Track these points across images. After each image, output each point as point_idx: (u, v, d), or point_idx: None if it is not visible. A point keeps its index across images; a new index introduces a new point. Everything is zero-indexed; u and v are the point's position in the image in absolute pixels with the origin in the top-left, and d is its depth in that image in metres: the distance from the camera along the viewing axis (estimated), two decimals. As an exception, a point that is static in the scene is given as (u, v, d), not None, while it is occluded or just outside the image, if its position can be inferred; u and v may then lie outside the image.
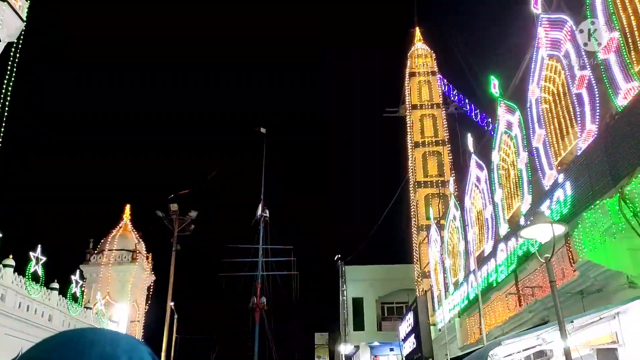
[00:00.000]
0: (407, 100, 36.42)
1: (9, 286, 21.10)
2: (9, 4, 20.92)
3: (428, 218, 29.70)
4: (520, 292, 14.51)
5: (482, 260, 18.17)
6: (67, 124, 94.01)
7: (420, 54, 37.64)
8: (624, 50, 10.27)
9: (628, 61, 10.14)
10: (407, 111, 36.03)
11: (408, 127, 35.62)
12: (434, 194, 32.20)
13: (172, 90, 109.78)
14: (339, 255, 39.44)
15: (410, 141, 34.98)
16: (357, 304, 38.38)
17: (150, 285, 42.35)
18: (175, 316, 32.92)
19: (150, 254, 43.12)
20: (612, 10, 10.66)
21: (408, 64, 37.48)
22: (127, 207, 43.85)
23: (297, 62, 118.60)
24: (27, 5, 22.39)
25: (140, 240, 42.56)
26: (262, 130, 33.64)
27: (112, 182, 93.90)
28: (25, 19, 21.91)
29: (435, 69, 36.87)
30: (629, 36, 10.64)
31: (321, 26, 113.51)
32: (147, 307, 41.86)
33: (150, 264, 42.63)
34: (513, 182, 17.03)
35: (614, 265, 9.22)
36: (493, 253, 17.09)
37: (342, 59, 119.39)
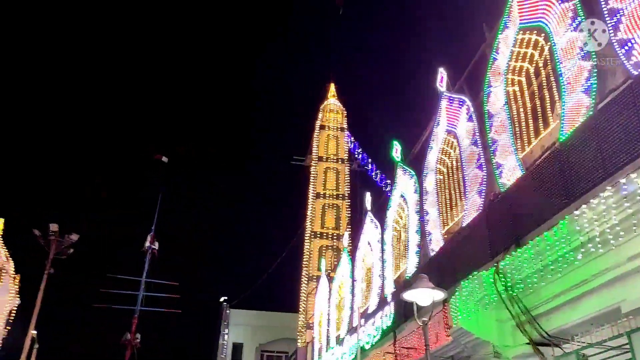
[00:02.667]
0: (314, 152, 37.26)
1: None
2: None
3: (319, 269, 29.98)
4: (397, 351, 14.86)
5: (366, 316, 18.50)
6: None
7: (332, 109, 38.94)
8: (511, 137, 11.33)
9: (514, 147, 11.18)
10: (313, 162, 36.79)
11: (312, 178, 36.25)
12: (329, 246, 32.72)
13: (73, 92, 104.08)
14: (225, 298, 38.46)
15: (312, 191, 35.54)
16: (237, 349, 37.31)
17: (13, 309, 38.38)
18: (36, 346, 30.02)
19: (19, 274, 39.25)
20: (505, 100, 11.78)
21: (319, 117, 38.55)
22: (1, 222, 39.95)
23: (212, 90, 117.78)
24: None
25: (9, 258, 38.71)
26: (164, 159, 32.45)
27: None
28: None
29: (345, 126, 38.23)
30: (516, 125, 11.79)
31: (245, 62, 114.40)
32: (5, 333, 37.77)
33: (17, 286, 38.73)
34: (403, 244, 17.76)
35: (483, 334, 9.73)
36: (377, 311, 17.48)
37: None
